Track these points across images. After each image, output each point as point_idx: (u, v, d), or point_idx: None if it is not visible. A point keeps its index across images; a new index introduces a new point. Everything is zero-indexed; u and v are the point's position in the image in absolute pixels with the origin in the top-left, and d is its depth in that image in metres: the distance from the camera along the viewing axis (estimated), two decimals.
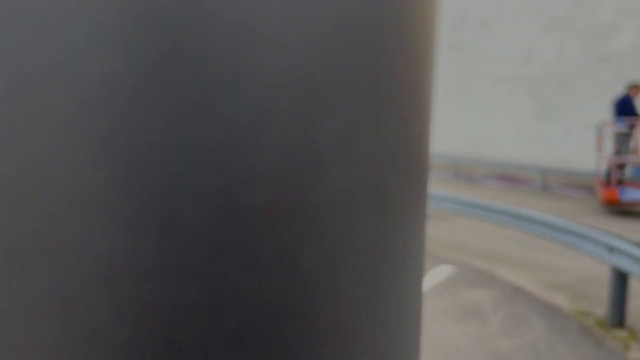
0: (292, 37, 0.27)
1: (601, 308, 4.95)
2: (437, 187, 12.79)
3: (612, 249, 4.61)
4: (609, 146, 10.30)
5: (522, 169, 14.48)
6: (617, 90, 11.73)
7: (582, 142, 13.28)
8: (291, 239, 0.28)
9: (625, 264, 4.42)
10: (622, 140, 10.11)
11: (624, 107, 10.11)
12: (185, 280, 0.27)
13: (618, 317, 4.63)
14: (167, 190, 0.26)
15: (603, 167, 10.39)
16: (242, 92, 0.26)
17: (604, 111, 11.30)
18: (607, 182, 10.18)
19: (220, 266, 0.27)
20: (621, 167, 10.18)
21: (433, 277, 5.78)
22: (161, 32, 0.25)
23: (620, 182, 10.14)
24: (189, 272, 0.27)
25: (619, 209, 10.55)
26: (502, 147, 15.37)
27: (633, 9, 12.86)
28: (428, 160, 0.35)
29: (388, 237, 0.31)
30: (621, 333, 4.46)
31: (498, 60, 15.31)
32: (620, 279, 4.60)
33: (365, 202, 0.30)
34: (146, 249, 0.26)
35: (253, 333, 0.27)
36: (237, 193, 0.27)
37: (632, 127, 10.10)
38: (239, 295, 0.27)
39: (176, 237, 0.26)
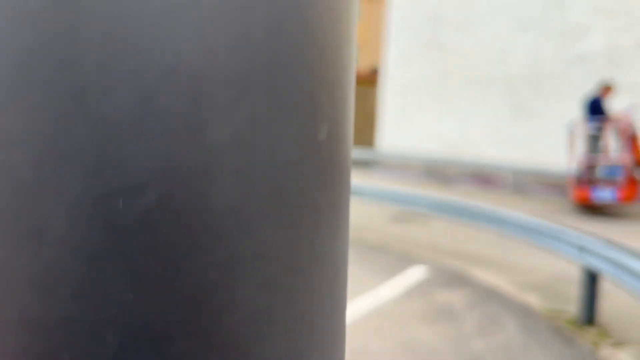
0: (177, 33, 0.25)
1: (573, 307, 5.03)
2: (411, 188, 12.88)
3: (582, 249, 4.68)
4: (580, 146, 10.48)
5: (495, 169, 14.66)
6: (591, 90, 11.94)
7: (556, 142, 13.49)
8: (178, 250, 0.26)
9: (595, 263, 4.49)
10: (593, 140, 10.30)
11: (593, 108, 10.31)
12: (60, 295, 0.25)
13: (589, 315, 4.70)
14: (37, 197, 0.24)
15: (574, 167, 10.57)
16: (117, 93, 0.25)
17: (578, 111, 11.49)
18: (579, 182, 10.36)
19: (98, 280, 0.25)
20: (592, 167, 10.37)
21: (407, 279, 5.81)
22: (25, 29, 0.24)
23: (592, 182, 10.33)
24: (64, 285, 0.25)
25: (591, 209, 10.75)
26: (476, 147, 15.53)
27: (604, 10, 13.12)
28: (343, 162, 0.34)
29: (292, 246, 0.30)
30: (591, 331, 4.54)
31: (472, 60, 15.48)
32: (590, 278, 4.67)
33: (264, 209, 0.28)
34: (17, 260, 0.25)
35: (136, 350, 0.26)
36: (114, 201, 0.25)
37: (601, 127, 10.30)
38: (121, 310, 0.25)
39: (49, 248, 0.25)
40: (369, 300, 5.09)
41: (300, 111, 0.29)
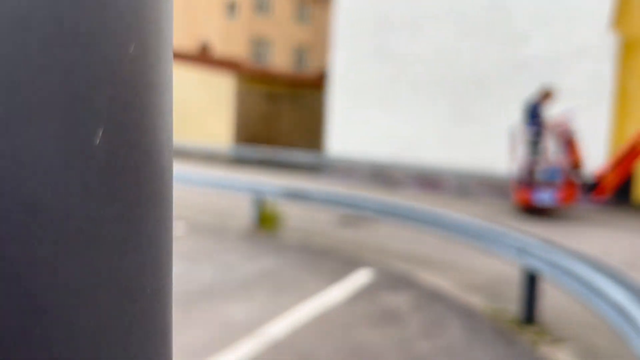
0: None
1: (514, 306, 5.18)
2: (359, 191, 13.00)
3: (521, 250, 4.84)
4: (520, 150, 10.85)
5: (441, 172, 15.00)
6: (532, 95, 12.38)
7: (498, 146, 13.92)
8: None
9: (533, 264, 4.65)
10: (532, 144, 10.69)
11: (532, 113, 10.71)
12: None
13: (528, 315, 4.86)
14: None
15: (516, 170, 10.93)
16: None
17: (519, 116, 11.89)
18: (520, 185, 10.72)
19: None
20: (532, 170, 10.76)
21: (353, 282, 5.85)
22: None
23: (532, 185, 10.71)
24: None
25: (531, 210, 11.14)
26: (423, 152, 15.84)
27: (545, 18, 13.66)
28: (136, 168, 0.31)
29: (58, 263, 0.28)
30: (531, 330, 4.69)
31: (419, 65, 15.80)
32: (529, 279, 4.83)
33: (49, 217, 0.26)
34: None
35: None
36: None
37: (539, 131, 10.70)
38: None
39: None
40: (315, 305, 5.10)
41: (64, 113, 0.27)
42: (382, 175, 16.57)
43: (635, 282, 3.90)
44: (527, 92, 13.33)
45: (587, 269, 3.98)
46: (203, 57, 28.46)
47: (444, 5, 15.31)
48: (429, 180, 15.76)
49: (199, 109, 22.56)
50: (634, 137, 10.47)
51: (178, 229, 8.17)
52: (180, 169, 13.74)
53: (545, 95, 10.77)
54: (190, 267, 6.18)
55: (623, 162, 10.53)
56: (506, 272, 6.53)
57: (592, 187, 10.91)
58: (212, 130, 22.09)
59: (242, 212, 9.88)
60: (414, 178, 16.05)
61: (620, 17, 13.02)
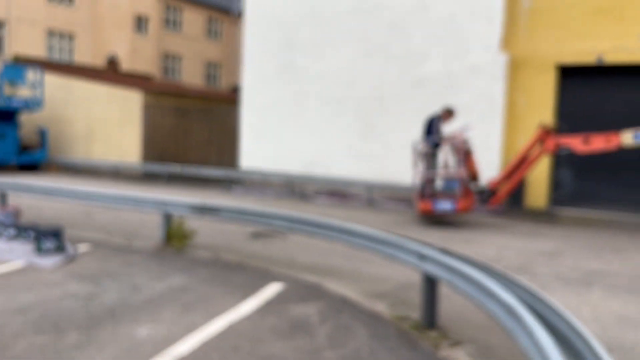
0: None
1: (417, 312, 5.31)
2: (270, 206, 12.95)
3: (422, 257, 4.98)
4: (422, 163, 11.24)
5: (350, 185, 15.26)
6: (431, 111, 12.90)
7: (402, 159, 14.37)
8: None
9: (433, 270, 4.79)
10: (432, 157, 11.12)
11: (430, 127, 11.16)
12: None
13: (430, 319, 5.00)
14: None
15: (418, 181, 11.32)
16: None
17: (419, 131, 12.34)
18: (422, 195, 11.10)
19: None
20: (432, 181, 11.18)
21: (263, 296, 5.77)
22: None
23: (433, 195, 11.13)
24: None
25: (433, 219, 11.56)
26: (332, 165, 16.05)
27: (440, 39, 14.31)
28: None
29: None
30: (433, 334, 4.82)
31: (325, 83, 16.04)
32: (430, 284, 4.98)
33: None
34: None
35: None
36: None
37: (438, 145, 11.16)
38: None
39: None
40: (226, 319, 4.97)
41: None
42: (294, 188, 16.61)
43: (523, 284, 4.12)
44: (425, 108, 13.89)
45: (480, 273, 4.15)
46: (111, 71, 27.37)
47: (345, 27, 15.67)
48: (339, 192, 15.98)
49: (107, 124, 21.64)
50: (524, 149, 11.16)
51: (81, 250, 7.73)
52: (86, 187, 13.07)
53: (447, 113, 11.26)
54: (94, 289, 5.85)
55: (515, 171, 11.19)
56: (408, 278, 6.70)
57: (488, 196, 11.48)
58: (121, 145, 21.24)
59: (151, 229, 9.52)
60: (325, 190, 16.22)
61: (508, 39, 13.91)
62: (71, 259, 7.09)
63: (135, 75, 29.24)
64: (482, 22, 13.76)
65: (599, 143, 10.24)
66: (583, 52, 13.11)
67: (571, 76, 13.52)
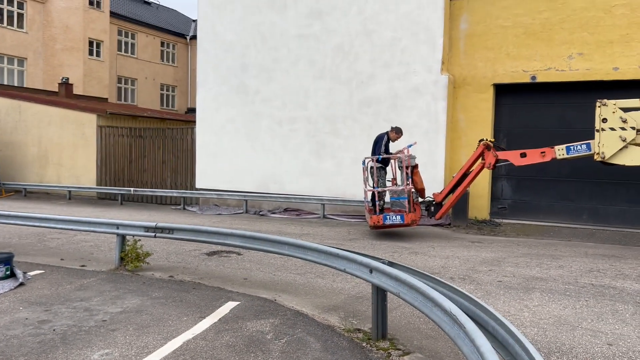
0: None
1: (368, 324, 5.32)
2: (228, 224, 12.79)
3: (372, 270, 5.00)
4: (371, 178, 11.36)
5: (304, 201, 15.26)
6: (378, 130, 13.07)
7: (353, 175, 14.48)
8: None
9: (382, 282, 4.82)
10: (380, 173, 11.26)
11: (377, 145, 11.32)
12: None
13: (381, 330, 5.01)
14: None
15: (369, 196, 11.42)
16: None
17: (368, 148, 12.48)
18: (373, 210, 11.21)
19: None
20: (382, 196, 11.31)
21: (219, 314, 5.67)
22: None
23: (383, 209, 11.25)
24: None
25: (383, 231, 11.68)
26: (286, 182, 16.02)
27: (385, 62, 14.58)
28: None
29: None
30: (384, 344, 4.84)
31: (278, 104, 16.06)
32: (380, 296, 5.00)
33: None
34: None
35: None
36: None
37: (386, 161, 11.32)
38: None
39: None
40: (181, 340, 4.85)
41: None
42: (250, 206, 16.47)
43: (465, 292, 4.19)
44: (374, 127, 14.10)
45: (426, 283, 4.20)
46: (65, 95, 26.61)
47: (294, 51, 15.78)
48: (295, 209, 15.94)
49: (61, 148, 20.95)
50: (466, 163, 11.43)
51: (33, 275, 7.41)
52: (38, 212, 12.57)
53: (395, 132, 11.44)
54: (45, 315, 5.60)
55: (458, 185, 11.43)
56: (360, 291, 6.73)
57: (434, 208, 11.69)
58: (76, 168, 20.60)
59: (105, 252, 9.24)
60: (281, 207, 16.15)
61: (448, 60, 14.31)
62: (21, 285, 6.79)
63: (89, 97, 28.52)
64: (423, 46, 14.12)
65: (535, 157, 10.60)
66: (517, 72, 13.62)
67: (507, 94, 14.00)
